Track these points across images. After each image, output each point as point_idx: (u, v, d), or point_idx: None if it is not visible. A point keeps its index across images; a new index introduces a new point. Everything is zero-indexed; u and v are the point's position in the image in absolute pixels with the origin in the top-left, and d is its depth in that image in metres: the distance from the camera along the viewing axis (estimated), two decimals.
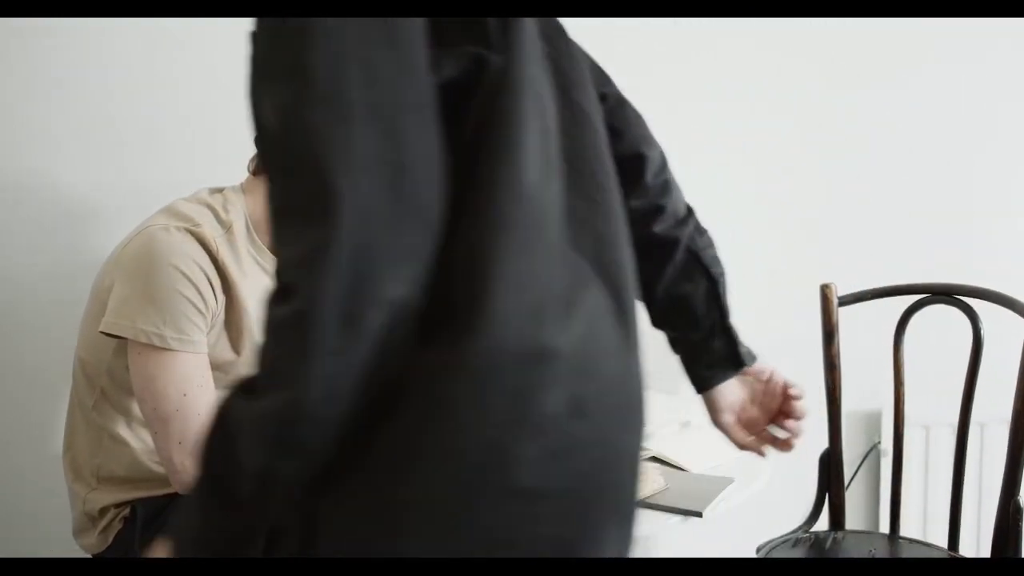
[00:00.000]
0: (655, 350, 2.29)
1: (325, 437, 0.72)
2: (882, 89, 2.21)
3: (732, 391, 1.10)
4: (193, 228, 1.49)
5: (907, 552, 1.86)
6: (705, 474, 1.44)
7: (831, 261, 2.21)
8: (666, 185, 1.09)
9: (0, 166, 1.97)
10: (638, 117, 1.11)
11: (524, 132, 0.78)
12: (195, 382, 1.44)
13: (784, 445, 1.11)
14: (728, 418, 1.10)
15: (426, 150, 0.74)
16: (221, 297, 1.52)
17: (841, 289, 1.94)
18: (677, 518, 1.31)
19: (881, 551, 1.86)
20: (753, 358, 1.11)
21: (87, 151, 1.98)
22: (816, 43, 2.17)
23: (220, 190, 1.62)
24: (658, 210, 1.06)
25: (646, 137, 1.09)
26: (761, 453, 1.11)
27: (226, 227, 1.55)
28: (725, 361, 1.08)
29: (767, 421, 1.11)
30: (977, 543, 2.27)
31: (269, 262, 1.62)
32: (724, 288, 1.09)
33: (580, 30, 2.09)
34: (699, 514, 1.30)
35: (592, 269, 0.83)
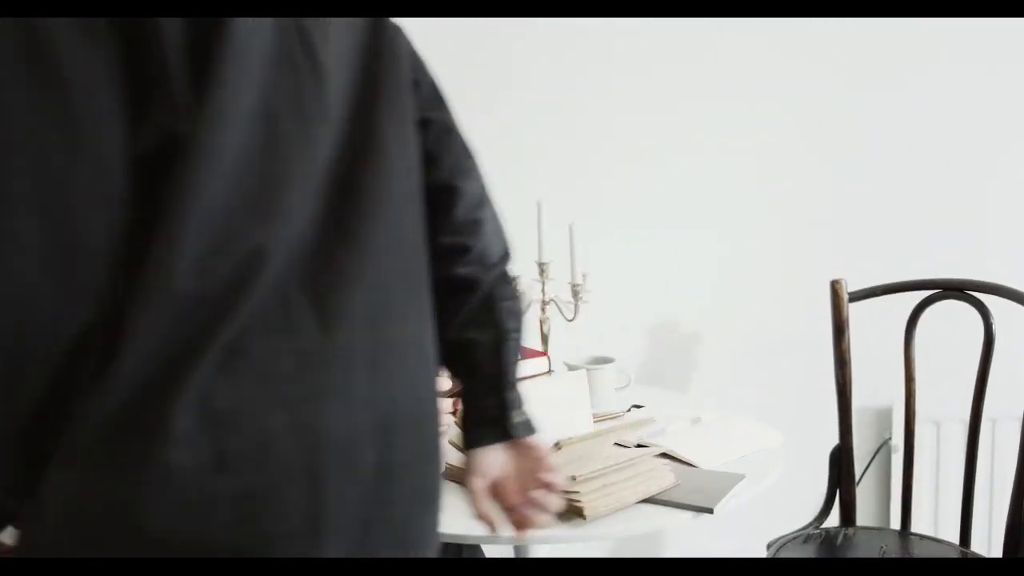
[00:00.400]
0: (662, 348, 2.30)
1: (7, 477, 0.79)
2: (892, 86, 2.21)
3: (494, 459, 1.02)
4: None
5: (918, 548, 1.85)
6: (716, 470, 1.44)
7: (841, 257, 2.20)
8: (476, 224, 1.01)
9: None
10: (463, 149, 1.04)
11: (191, 200, 0.77)
12: None
13: (519, 526, 1.03)
14: (479, 483, 1.02)
15: (99, 232, 0.75)
16: None
17: (851, 285, 1.94)
18: (688, 514, 1.31)
19: (892, 547, 1.85)
20: (528, 431, 1.02)
21: None
22: (829, 41, 2.16)
23: None
24: (464, 250, 1.00)
25: (465, 171, 1.03)
26: (491, 529, 1.02)
27: None
28: (494, 423, 1.01)
29: (517, 499, 1.03)
30: (989, 539, 2.26)
31: None
32: (512, 348, 1.02)
33: (583, 30, 2.09)
34: (710, 510, 1.30)
35: (308, 310, 0.81)
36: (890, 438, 2.26)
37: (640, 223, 2.18)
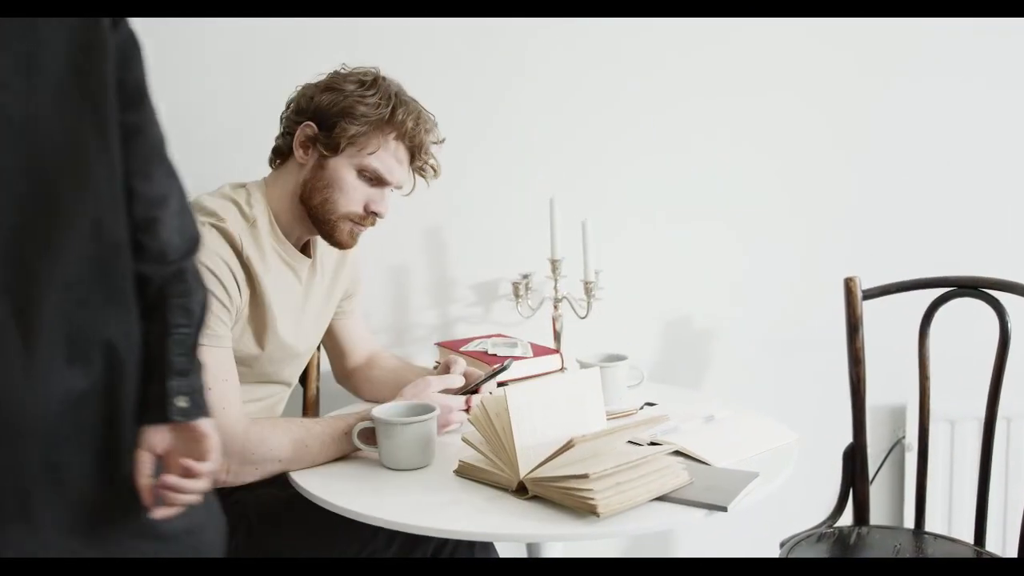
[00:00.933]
0: (675, 345, 2.29)
1: None
2: (908, 83, 2.19)
3: (160, 438, 1.09)
4: (217, 223, 1.50)
5: (933, 548, 1.84)
6: (729, 468, 1.43)
7: (856, 254, 2.19)
8: (152, 223, 1.07)
9: None
10: (147, 151, 1.07)
11: None
12: (220, 376, 1.45)
13: (167, 500, 1.09)
14: (143, 457, 1.08)
15: None
16: (245, 291, 1.52)
17: (866, 282, 1.93)
18: (701, 512, 1.30)
19: (906, 546, 1.84)
20: (188, 416, 1.09)
21: None
22: (845, 38, 2.15)
23: (243, 185, 1.62)
24: (140, 247, 1.06)
25: (143, 173, 1.07)
26: (147, 506, 1.08)
27: (250, 221, 1.55)
28: (155, 406, 1.08)
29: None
30: (1003, 539, 2.25)
31: (291, 256, 1.62)
32: (177, 341, 1.09)
33: (594, 27, 2.08)
34: (724, 508, 1.29)
35: (10, 323, 0.95)
36: (904, 436, 2.25)
37: (653, 220, 2.18)
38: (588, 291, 2.02)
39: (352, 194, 1.60)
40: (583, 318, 2.04)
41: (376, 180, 1.61)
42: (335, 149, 1.58)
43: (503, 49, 2.09)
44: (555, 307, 2.05)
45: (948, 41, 2.19)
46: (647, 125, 2.15)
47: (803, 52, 2.16)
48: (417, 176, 1.70)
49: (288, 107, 1.66)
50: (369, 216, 1.63)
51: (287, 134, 1.64)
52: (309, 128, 1.59)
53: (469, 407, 1.58)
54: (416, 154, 1.65)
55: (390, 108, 1.58)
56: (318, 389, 1.96)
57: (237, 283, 1.50)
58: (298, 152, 1.61)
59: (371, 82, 1.60)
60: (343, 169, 1.59)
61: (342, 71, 1.64)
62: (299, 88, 1.66)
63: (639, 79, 2.13)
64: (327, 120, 1.57)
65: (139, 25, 1.93)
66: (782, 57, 2.16)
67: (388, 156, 1.61)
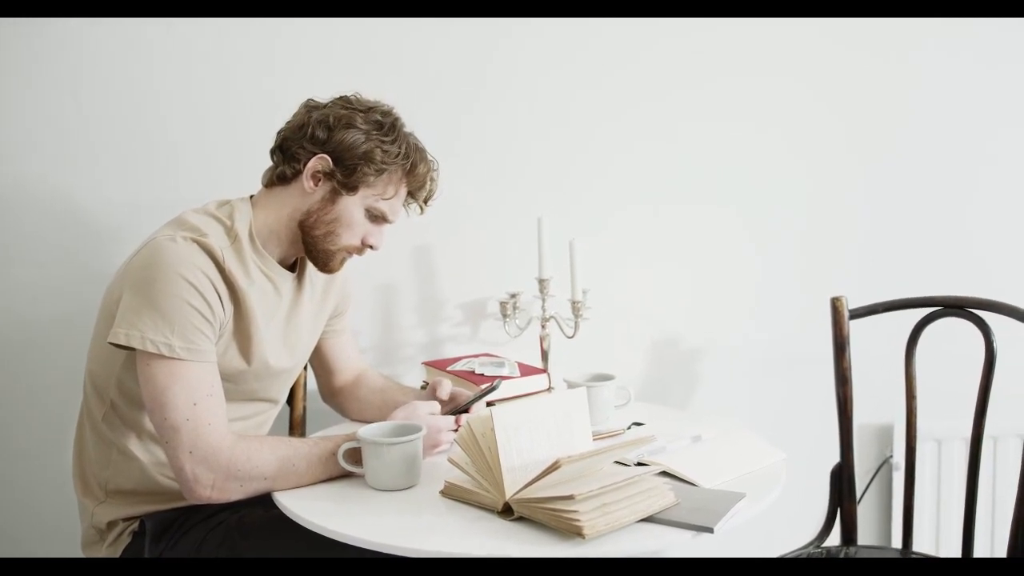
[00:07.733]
0: (663, 365, 2.29)
1: None
2: (897, 100, 2.21)
3: None
4: (199, 238, 1.49)
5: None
6: (716, 489, 1.43)
7: (842, 274, 2.20)
8: None
9: (19, 179, 1.98)
10: None
11: None
12: (204, 391, 1.44)
13: None
14: None
15: None
16: (229, 306, 1.51)
17: (852, 302, 1.93)
18: (688, 533, 1.30)
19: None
20: None
21: (104, 166, 1.99)
22: (834, 51, 2.17)
23: (227, 202, 1.62)
24: None
25: None
26: None
27: (232, 237, 1.55)
28: None
29: None
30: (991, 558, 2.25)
31: (274, 271, 1.61)
32: None
33: (586, 48, 2.09)
34: (710, 530, 1.29)
35: None
36: (891, 456, 2.25)
37: (641, 240, 2.18)
38: (576, 311, 2.02)
39: (355, 230, 1.61)
40: (570, 338, 2.04)
41: (379, 218, 1.63)
42: (352, 189, 1.58)
43: (494, 68, 2.09)
44: (543, 326, 2.05)
45: (940, 62, 2.20)
46: (637, 147, 2.16)
47: (794, 66, 2.18)
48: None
49: (298, 131, 1.59)
50: (364, 248, 1.65)
51: (294, 160, 1.59)
52: (324, 162, 1.55)
53: (459, 427, 1.58)
54: (421, 200, 1.70)
55: (410, 161, 1.61)
56: (305, 408, 1.96)
57: (220, 298, 1.49)
58: (308, 183, 1.57)
59: (389, 126, 1.59)
60: (353, 207, 1.59)
61: (354, 103, 1.60)
62: (305, 110, 1.61)
63: (631, 102, 2.14)
64: (347, 160, 1.55)
65: (142, 26, 1.94)
66: (772, 71, 2.17)
67: (397, 201, 1.64)
